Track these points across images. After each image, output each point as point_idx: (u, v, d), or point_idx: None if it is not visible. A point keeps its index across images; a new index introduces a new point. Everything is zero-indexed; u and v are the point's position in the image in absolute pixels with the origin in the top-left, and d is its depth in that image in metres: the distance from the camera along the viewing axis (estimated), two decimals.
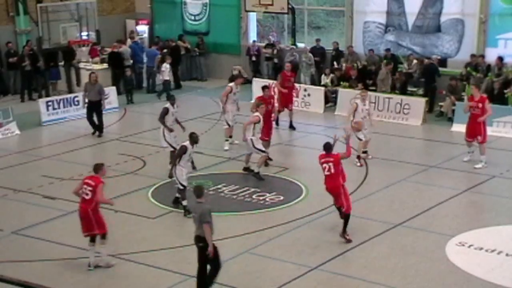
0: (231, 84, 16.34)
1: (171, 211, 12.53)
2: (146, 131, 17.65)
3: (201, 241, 9.20)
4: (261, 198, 13.06)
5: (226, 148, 15.69)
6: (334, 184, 11.02)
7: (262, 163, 14.00)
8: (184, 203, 12.19)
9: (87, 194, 10.18)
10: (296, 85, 20.29)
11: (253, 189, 13.41)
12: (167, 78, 20.75)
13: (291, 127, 17.73)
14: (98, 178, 10.31)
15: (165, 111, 14.19)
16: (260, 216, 12.31)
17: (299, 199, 13.07)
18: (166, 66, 20.73)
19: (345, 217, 11.10)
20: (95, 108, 17.27)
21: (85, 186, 10.26)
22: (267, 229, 11.67)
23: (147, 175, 14.35)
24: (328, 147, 11.18)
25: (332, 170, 10.94)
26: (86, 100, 17.35)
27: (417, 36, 20.36)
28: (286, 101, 17.69)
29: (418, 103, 18.47)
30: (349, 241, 11.04)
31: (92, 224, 10.15)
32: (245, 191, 13.37)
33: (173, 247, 11.05)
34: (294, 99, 18.72)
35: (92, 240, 10.28)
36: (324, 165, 11.03)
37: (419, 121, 18.27)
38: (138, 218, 12.24)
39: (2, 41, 21.29)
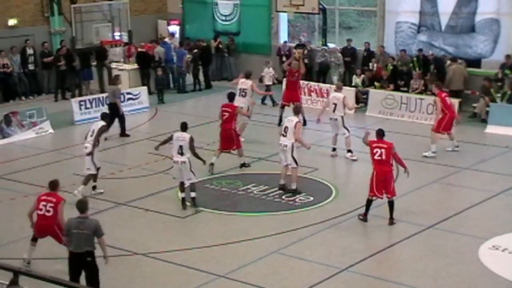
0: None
1: (200, 211, 12.55)
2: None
3: (90, 256, 8.97)
4: (290, 198, 13.01)
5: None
6: (383, 169, 11.49)
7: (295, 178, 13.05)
8: (193, 194, 12.44)
9: (48, 211, 9.86)
10: (324, 85, 20.20)
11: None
12: (269, 83, 20.34)
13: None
14: (57, 195, 10.00)
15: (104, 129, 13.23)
16: (290, 217, 12.26)
17: (328, 200, 12.98)
18: (267, 71, 20.46)
19: (392, 203, 11.69)
20: (117, 110, 16.93)
21: (43, 203, 9.90)
22: (297, 230, 11.62)
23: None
24: (381, 133, 11.70)
25: (384, 156, 11.44)
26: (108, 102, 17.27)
27: (450, 36, 20.07)
28: (290, 96, 17.73)
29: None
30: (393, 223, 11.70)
31: (60, 237, 9.87)
32: (274, 191, 13.33)
33: (202, 246, 11.06)
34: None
35: (35, 240, 10.25)
36: (376, 150, 11.51)
37: None
38: (167, 218, 12.29)
39: (38, 41, 21.62)
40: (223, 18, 24.53)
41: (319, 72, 21.59)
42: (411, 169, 14.59)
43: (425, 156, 15.04)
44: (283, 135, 12.94)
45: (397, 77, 19.87)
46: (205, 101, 21.34)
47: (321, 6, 21.33)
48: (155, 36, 24.30)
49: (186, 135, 12.46)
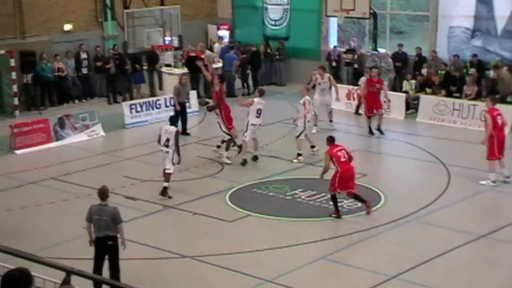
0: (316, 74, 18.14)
1: (248, 215, 12.56)
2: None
3: (110, 240, 9.35)
4: (338, 204, 12.87)
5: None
6: (349, 167, 12.14)
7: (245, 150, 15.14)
8: (165, 184, 13.19)
9: None
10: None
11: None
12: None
13: (379, 131, 17.50)
14: None
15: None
16: (337, 223, 12.14)
17: (377, 206, 12.78)
18: (362, 79, 20.15)
19: (355, 196, 12.24)
20: (184, 109, 17.90)
21: None
22: (344, 236, 11.50)
23: (224, 179, 14.46)
24: (333, 139, 12.55)
25: (346, 156, 12.20)
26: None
27: (507, 41, 19.54)
28: (371, 106, 17.57)
29: (506, 111, 17.65)
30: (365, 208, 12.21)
31: None
32: (322, 197, 13.21)
33: (249, 250, 11.06)
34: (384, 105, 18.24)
35: None
36: (339, 153, 12.19)
37: (507, 130, 17.45)
38: (215, 221, 12.34)
39: (91, 46, 22.09)
40: (273, 22, 24.55)
41: None
42: (463, 176, 14.35)
43: (483, 185, 13.75)
44: (257, 116, 15.24)
45: (450, 82, 19.47)
46: None
47: (372, 11, 21.10)
48: (205, 41, 24.48)
49: (173, 129, 13.22)
